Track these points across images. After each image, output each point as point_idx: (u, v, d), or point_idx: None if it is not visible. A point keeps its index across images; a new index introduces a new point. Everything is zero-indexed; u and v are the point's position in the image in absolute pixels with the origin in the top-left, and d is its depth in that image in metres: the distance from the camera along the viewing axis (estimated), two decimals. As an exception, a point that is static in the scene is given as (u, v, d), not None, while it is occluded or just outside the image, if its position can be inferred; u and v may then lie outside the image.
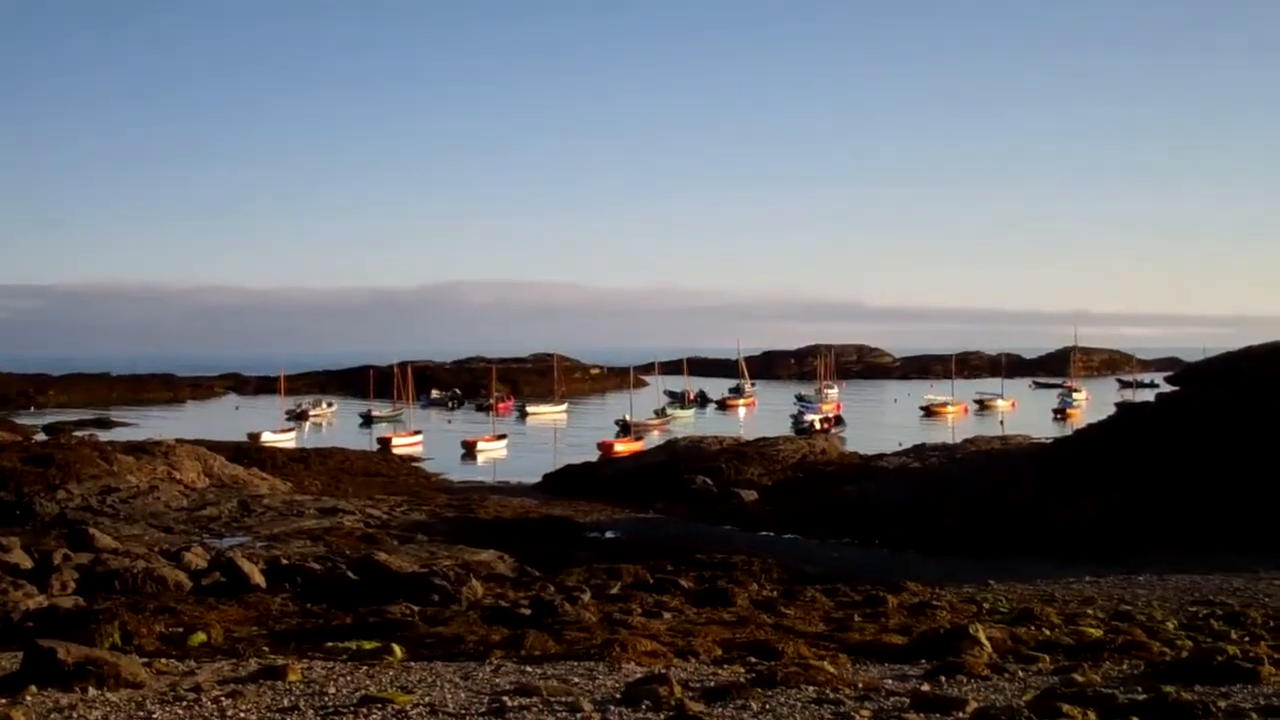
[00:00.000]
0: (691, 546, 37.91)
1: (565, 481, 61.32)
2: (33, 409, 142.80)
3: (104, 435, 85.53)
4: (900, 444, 69.19)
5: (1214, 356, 48.59)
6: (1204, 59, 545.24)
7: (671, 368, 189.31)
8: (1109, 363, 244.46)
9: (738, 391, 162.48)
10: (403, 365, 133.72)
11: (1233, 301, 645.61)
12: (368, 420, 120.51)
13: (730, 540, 41.60)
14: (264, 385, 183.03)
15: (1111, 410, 51.12)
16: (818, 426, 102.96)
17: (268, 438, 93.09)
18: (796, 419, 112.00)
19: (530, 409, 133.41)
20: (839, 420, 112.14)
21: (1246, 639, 20.70)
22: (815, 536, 43.44)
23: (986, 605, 26.24)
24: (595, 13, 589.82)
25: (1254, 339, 47.69)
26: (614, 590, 27.50)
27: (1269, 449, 37.25)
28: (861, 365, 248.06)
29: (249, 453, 70.47)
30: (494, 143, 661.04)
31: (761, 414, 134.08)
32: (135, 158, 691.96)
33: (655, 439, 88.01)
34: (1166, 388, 48.08)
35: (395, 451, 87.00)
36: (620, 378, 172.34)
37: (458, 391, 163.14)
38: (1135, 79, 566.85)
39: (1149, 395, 66.43)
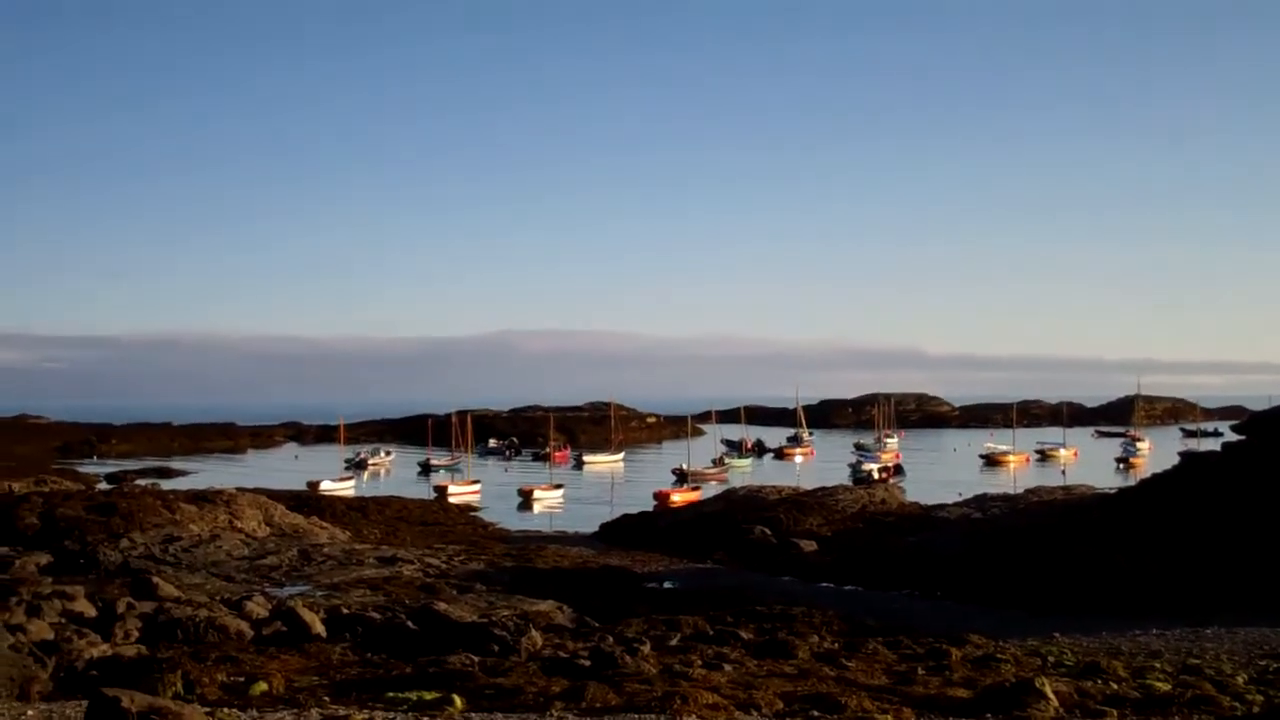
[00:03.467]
0: (751, 597, 37.69)
1: (622, 531, 61.19)
2: (96, 458, 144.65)
3: (165, 484, 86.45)
4: (961, 494, 68.63)
5: (1280, 404, 48.01)
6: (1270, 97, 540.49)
7: (729, 416, 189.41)
8: (1172, 411, 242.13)
9: (795, 440, 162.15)
10: (460, 414, 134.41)
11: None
12: (425, 469, 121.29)
13: (790, 591, 41.32)
14: (323, 434, 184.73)
15: (1176, 460, 50.42)
16: (877, 476, 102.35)
17: (326, 486, 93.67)
18: (855, 468, 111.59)
19: (587, 458, 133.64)
20: (898, 470, 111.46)
21: (1319, 694, 20.35)
22: (876, 588, 43.09)
23: (1051, 658, 25.91)
24: (647, 56, 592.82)
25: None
26: (674, 642, 27.33)
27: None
28: (920, 414, 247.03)
29: (308, 501, 70.95)
30: (547, 191, 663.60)
31: (819, 463, 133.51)
32: (191, 210, 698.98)
33: (713, 488, 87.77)
34: (1232, 436, 47.36)
35: (452, 500, 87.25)
36: (677, 426, 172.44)
37: (515, 440, 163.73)
38: (1195, 119, 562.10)
39: (1214, 444, 65.57)
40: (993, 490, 70.98)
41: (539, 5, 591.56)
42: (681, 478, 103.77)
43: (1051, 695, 17.91)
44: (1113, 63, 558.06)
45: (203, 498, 54.93)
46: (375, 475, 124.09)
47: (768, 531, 55.29)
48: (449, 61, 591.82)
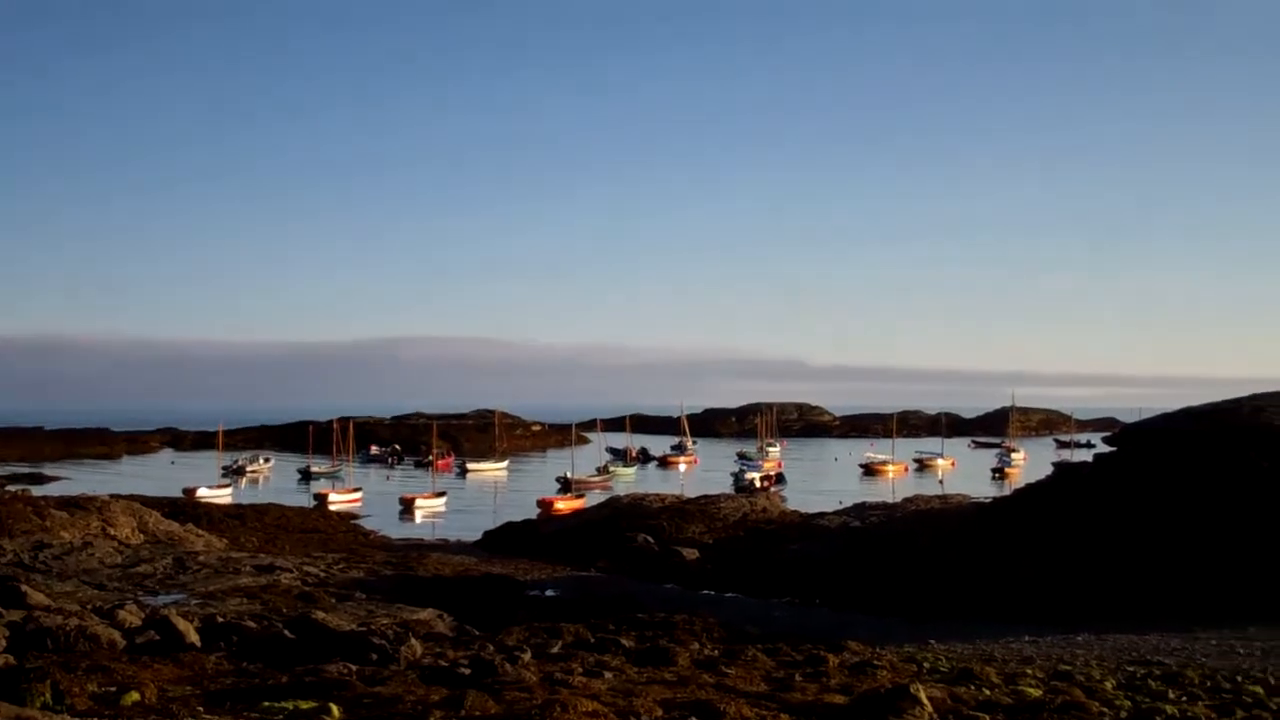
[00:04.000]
0: (633, 605, 37.74)
1: (506, 539, 61.01)
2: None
3: (37, 490, 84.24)
4: (841, 502, 69.38)
5: (1152, 417, 49.10)
6: (1155, 122, 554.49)
7: (614, 425, 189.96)
8: (1046, 422, 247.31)
9: (679, 449, 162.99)
10: (342, 421, 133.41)
11: (1167, 363, 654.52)
12: (306, 476, 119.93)
13: (672, 599, 41.45)
14: (201, 440, 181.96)
15: (1049, 470, 51.51)
16: (759, 484, 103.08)
17: (204, 493, 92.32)
18: (738, 477, 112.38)
19: (471, 466, 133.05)
20: (780, 478, 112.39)
21: (1184, 699, 20.89)
22: (757, 595, 43.42)
23: (927, 665, 26.27)
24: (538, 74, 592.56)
25: (1187, 399, 48.33)
26: (555, 649, 27.28)
27: (1205, 509, 37.61)
28: (802, 424, 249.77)
29: (185, 509, 69.63)
30: (431, 197, 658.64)
31: (703, 472, 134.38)
32: (75, 209, 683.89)
33: (597, 496, 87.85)
34: (1103, 448, 48.43)
35: (333, 508, 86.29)
36: (562, 435, 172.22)
37: (397, 448, 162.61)
38: (1062, 141, 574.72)
39: (1086, 455, 67.00)
40: (872, 499, 71.81)
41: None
42: (566, 486, 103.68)
43: (926, 701, 18.16)
44: (999, 84, 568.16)
45: (75, 504, 53.75)
46: (254, 482, 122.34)
47: (650, 539, 55.45)
48: (315, 68, 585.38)
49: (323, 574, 45.83)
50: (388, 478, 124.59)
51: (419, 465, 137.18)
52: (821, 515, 62.11)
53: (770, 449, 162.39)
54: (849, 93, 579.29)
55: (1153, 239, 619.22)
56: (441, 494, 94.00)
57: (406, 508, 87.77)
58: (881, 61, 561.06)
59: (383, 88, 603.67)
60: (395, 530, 72.58)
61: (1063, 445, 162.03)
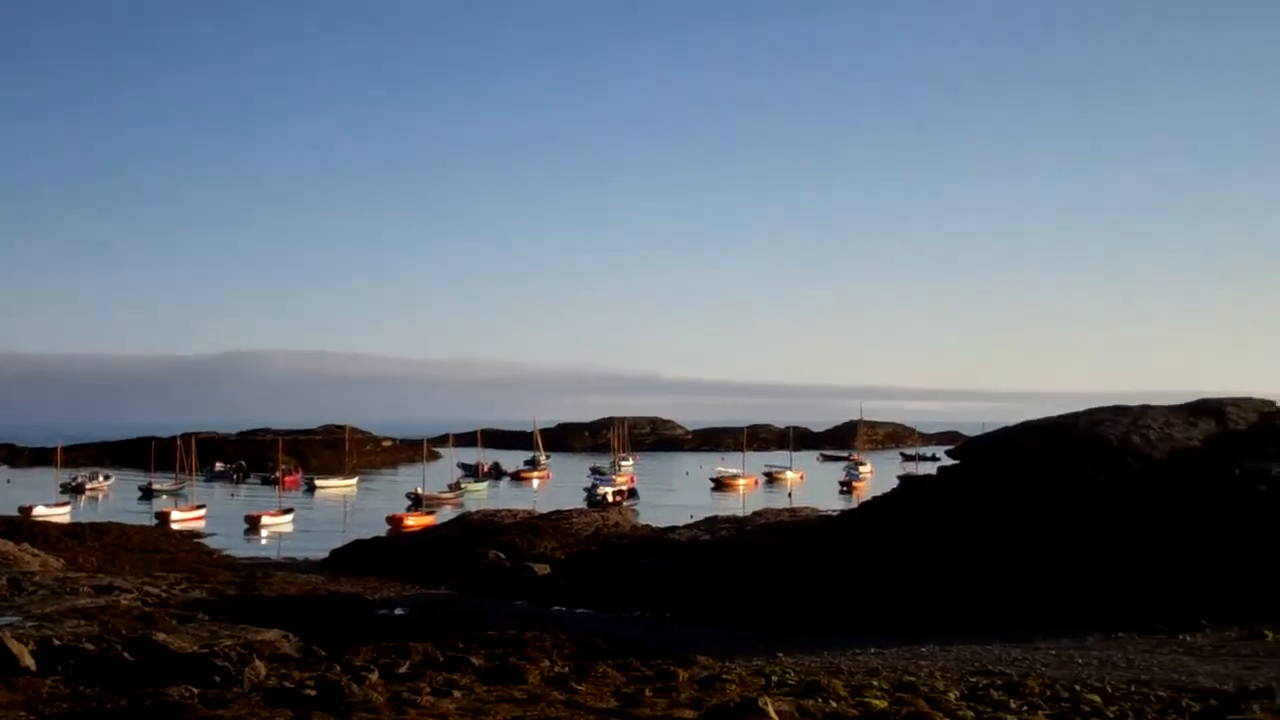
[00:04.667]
0: (483, 623, 37.54)
1: (354, 557, 60.28)
2: None
3: None
4: (692, 516, 69.73)
5: (993, 430, 50.21)
6: (996, 132, 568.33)
7: (466, 440, 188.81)
8: (893, 436, 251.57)
9: (532, 464, 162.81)
10: (186, 437, 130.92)
11: (1012, 378, 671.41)
12: (147, 494, 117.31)
13: (523, 615, 41.30)
14: (39, 457, 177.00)
15: (895, 483, 52.37)
16: (611, 499, 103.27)
17: (40, 512, 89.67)
18: (590, 491, 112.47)
19: (319, 482, 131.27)
20: (632, 493, 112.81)
21: (1025, 708, 21.38)
22: (608, 610, 43.48)
23: (775, 678, 26.50)
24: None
25: (1031, 414, 49.48)
26: (403, 669, 27.00)
27: (1044, 521, 38.59)
28: (655, 438, 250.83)
29: (20, 527, 67.76)
30: (282, 207, 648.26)
31: (556, 486, 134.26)
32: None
33: (448, 513, 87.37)
34: (947, 461, 49.45)
35: (175, 526, 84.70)
36: (413, 450, 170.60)
37: (243, 464, 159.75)
38: (909, 154, 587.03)
39: (931, 468, 68.27)
40: (723, 512, 72.32)
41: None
42: (416, 502, 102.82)
43: (774, 714, 18.34)
44: (847, 100, 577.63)
45: (-98, 526, 51.94)
46: (94, 500, 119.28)
47: (502, 555, 55.27)
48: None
49: (164, 594, 44.85)
50: (233, 495, 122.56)
51: (265, 482, 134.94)
52: (673, 529, 62.42)
53: (623, 463, 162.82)
54: (707, 96, 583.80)
55: (998, 254, 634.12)
56: (288, 511, 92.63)
57: (252, 526, 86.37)
58: (735, 67, 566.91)
59: (238, 98, 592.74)
60: (240, 549, 71.39)
61: (908, 458, 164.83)
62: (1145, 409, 45.86)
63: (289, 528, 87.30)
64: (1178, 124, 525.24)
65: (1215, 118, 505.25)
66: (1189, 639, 29.91)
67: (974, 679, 25.72)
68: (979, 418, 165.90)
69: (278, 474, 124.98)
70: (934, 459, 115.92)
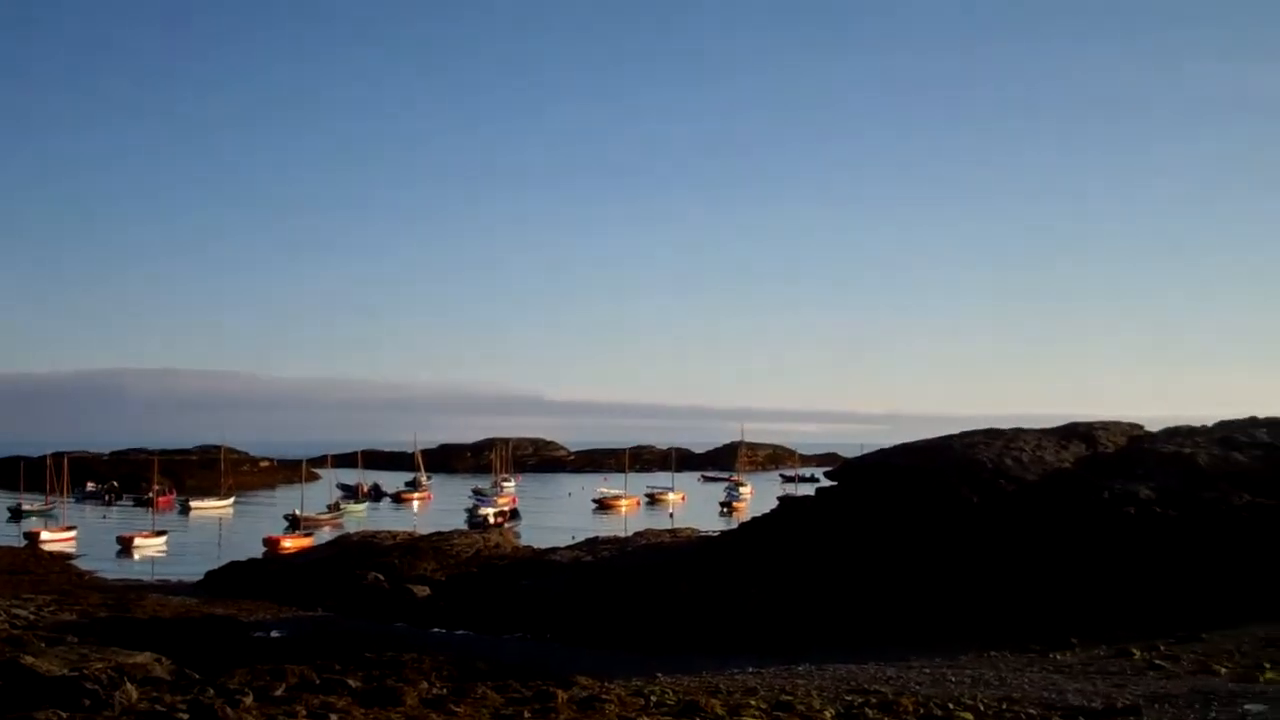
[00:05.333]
0: (361, 645, 37.15)
1: (230, 579, 59.35)
2: None
3: None
4: (574, 537, 69.75)
5: (869, 452, 50.85)
6: (877, 164, 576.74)
7: (345, 461, 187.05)
8: (773, 457, 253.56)
9: (413, 485, 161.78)
10: (56, 456, 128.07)
11: (889, 400, 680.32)
12: (16, 515, 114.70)
13: (402, 637, 40.95)
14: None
15: (775, 504, 52.77)
16: (493, 520, 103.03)
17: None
18: (471, 513, 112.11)
19: (194, 503, 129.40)
20: (514, 514, 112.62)
21: (897, 725, 21.71)
22: (488, 632, 43.32)
23: (654, 698, 26.63)
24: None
25: (907, 436, 50.26)
26: (278, 692, 26.73)
27: (919, 541, 39.16)
28: (538, 458, 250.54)
29: (-120, 550, 65.89)
30: (153, 221, 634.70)
31: (437, 508, 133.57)
32: None
33: (326, 534, 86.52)
34: (826, 482, 49.95)
35: (45, 547, 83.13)
36: (291, 471, 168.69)
37: (115, 484, 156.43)
38: (792, 173, 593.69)
39: (810, 489, 68.97)
40: (604, 533, 72.42)
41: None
42: (294, 524, 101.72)
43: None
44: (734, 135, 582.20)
45: None
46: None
47: (381, 577, 54.79)
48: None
49: (32, 616, 43.86)
50: (105, 516, 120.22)
51: (138, 503, 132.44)
52: (554, 550, 62.34)
53: (505, 484, 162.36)
54: (577, 124, 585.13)
55: (875, 279, 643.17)
56: (162, 533, 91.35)
57: (125, 547, 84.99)
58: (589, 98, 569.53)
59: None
60: (112, 571, 70.15)
61: (788, 479, 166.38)
62: (1018, 432, 46.83)
63: (163, 549, 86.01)
64: (1039, 160, 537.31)
65: (1078, 153, 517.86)
66: (1059, 657, 30.55)
67: (850, 697, 26.06)
68: (857, 439, 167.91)
69: (151, 494, 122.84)
70: (813, 480, 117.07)
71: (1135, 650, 29.99)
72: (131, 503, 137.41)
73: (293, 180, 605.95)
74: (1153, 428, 48.86)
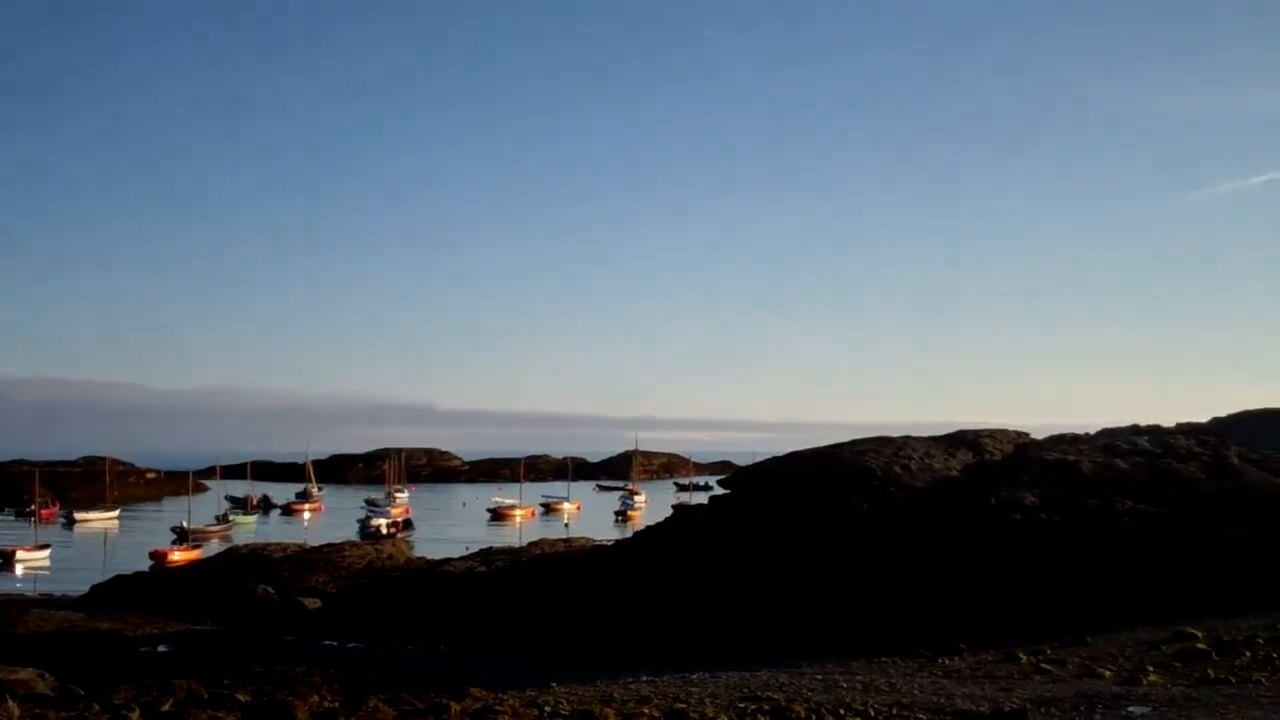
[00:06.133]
0: (251, 658, 36.75)
1: (116, 593, 58.28)
2: None
3: None
4: (468, 547, 69.47)
5: (762, 460, 51.27)
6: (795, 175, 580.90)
7: (234, 472, 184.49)
8: (668, 466, 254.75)
9: (304, 496, 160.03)
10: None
11: (780, 408, 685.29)
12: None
13: (292, 651, 40.57)
14: None
15: (669, 512, 53.00)
16: (386, 531, 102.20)
17: None
18: (364, 524, 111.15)
19: (78, 515, 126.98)
20: (408, 524, 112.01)
21: (789, 731, 21.89)
22: (381, 644, 43.00)
23: (548, 708, 26.60)
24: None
25: (799, 444, 50.76)
26: (166, 707, 26.32)
27: (811, 548, 39.56)
28: (432, 469, 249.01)
29: None
30: (35, 224, 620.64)
31: (329, 519, 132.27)
32: None
33: (215, 547, 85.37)
34: (719, 490, 50.32)
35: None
36: (179, 482, 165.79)
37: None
38: (682, 177, 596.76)
39: (704, 497, 69.33)
40: (499, 543, 72.23)
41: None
42: (182, 536, 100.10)
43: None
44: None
45: None
46: None
47: (271, 590, 54.21)
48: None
49: (-91, 635, 42.81)
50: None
51: (20, 515, 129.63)
52: (448, 561, 62.05)
53: (399, 495, 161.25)
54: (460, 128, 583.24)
55: (767, 288, 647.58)
56: (45, 546, 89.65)
57: (6, 561, 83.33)
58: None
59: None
60: (-7, 585, 68.56)
61: (682, 488, 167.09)
62: (907, 440, 47.55)
63: (45, 563, 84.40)
64: (924, 167, 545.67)
65: (961, 165, 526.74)
66: (948, 662, 30.99)
67: (743, 704, 26.22)
68: (751, 448, 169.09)
69: (33, 507, 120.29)
70: (707, 488, 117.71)
71: (1022, 655, 30.49)
72: (13, 515, 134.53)
73: (181, 186, 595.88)
74: (1038, 436, 49.83)
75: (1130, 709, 22.70)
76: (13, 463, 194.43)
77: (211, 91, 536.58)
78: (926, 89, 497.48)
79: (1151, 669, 27.41)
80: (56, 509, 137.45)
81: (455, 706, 26.23)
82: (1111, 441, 45.84)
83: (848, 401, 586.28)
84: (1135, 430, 47.93)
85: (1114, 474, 41.29)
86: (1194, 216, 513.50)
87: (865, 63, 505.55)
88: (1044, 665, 29.16)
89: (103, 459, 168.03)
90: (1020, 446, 47.92)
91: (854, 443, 47.42)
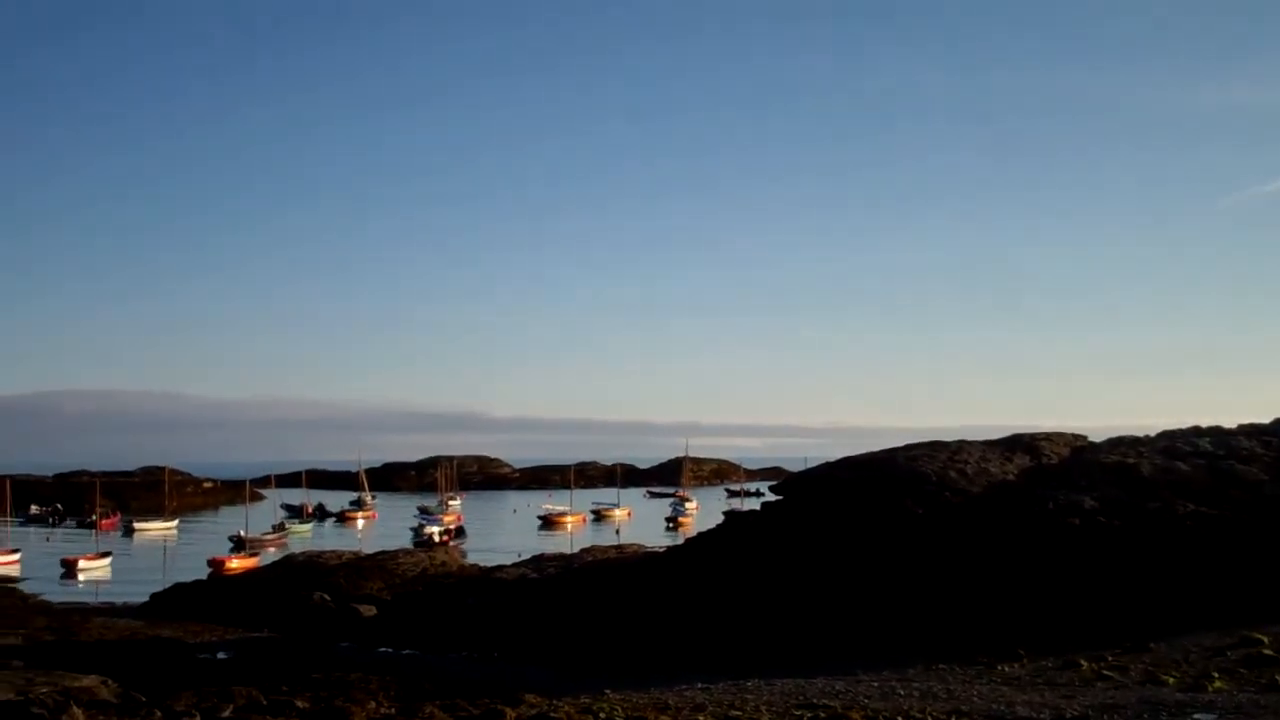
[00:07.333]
0: (308, 665, 36.98)
1: (175, 601, 58.78)
2: None
3: None
4: (520, 554, 69.50)
5: (814, 466, 51.06)
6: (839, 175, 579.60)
7: (289, 481, 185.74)
8: (718, 472, 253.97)
9: (358, 504, 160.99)
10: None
11: (830, 413, 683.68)
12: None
13: (348, 658, 40.79)
14: None
15: (720, 519, 52.90)
16: (438, 538, 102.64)
17: None
18: (417, 531, 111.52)
19: (138, 525, 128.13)
20: (460, 532, 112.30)
21: (846, 738, 21.76)
22: (435, 651, 43.14)
23: (603, 715, 26.59)
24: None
25: (849, 449, 50.50)
26: (226, 714, 26.57)
27: (865, 554, 39.31)
28: (482, 476, 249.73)
29: None
30: (83, 242, 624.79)
31: (382, 527, 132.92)
32: None
33: (271, 555, 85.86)
34: (771, 496, 50.13)
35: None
36: (235, 491, 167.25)
37: (59, 507, 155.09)
38: (738, 189, 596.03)
39: (755, 504, 69.14)
40: (550, 550, 72.22)
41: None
42: (239, 544, 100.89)
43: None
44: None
45: None
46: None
47: (327, 597, 54.45)
48: None
49: (-25, 642, 43.31)
50: (48, 538, 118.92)
51: (82, 525, 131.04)
52: (500, 568, 62.04)
53: (451, 502, 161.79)
54: (516, 135, 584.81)
55: (816, 292, 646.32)
56: (106, 555, 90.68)
57: (69, 570, 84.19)
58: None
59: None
60: (56, 593, 69.64)
61: (733, 494, 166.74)
62: (961, 444, 47.19)
63: (107, 572, 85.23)
64: (986, 174, 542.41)
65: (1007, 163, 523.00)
66: (1007, 669, 30.67)
67: (798, 712, 26.10)
68: (799, 453, 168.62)
69: (95, 516, 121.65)
70: (758, 494, 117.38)
71: (1083, 661, 30.15)
72: (75, 525, 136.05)
73: (225, 200, 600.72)
74: (1096, 438, 49.29)
75: (1196, 716, 22.45)
76: (74, 473, 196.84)
77: (256, 94, 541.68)
78: (955, 85, 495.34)
79: (1216, 675, 27.02)
80: (117, 519, 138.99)
81: (511, 713, 26.29)
82: (1172, 443, 45.25)
83: (895, 406, 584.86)
84: (1196, 431, 47.29)
85: (1175, 476, 40.78)
86: (1257, 211, 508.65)
87: (903, 61, 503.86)
88: (1106, 672, 28.80)
89: (161, 469, 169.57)
90: (1078, 449, 47.44)
91: (907, 447, 47.10)
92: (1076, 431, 50.35)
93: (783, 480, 52.17)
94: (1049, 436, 48.60)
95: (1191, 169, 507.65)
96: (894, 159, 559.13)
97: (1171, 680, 27.22)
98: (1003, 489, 42.02)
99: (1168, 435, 47.47)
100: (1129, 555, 36.05)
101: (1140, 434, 48.45)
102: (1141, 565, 35.62)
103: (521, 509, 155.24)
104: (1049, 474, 43.77)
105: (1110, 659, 30.23)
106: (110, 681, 33.31)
